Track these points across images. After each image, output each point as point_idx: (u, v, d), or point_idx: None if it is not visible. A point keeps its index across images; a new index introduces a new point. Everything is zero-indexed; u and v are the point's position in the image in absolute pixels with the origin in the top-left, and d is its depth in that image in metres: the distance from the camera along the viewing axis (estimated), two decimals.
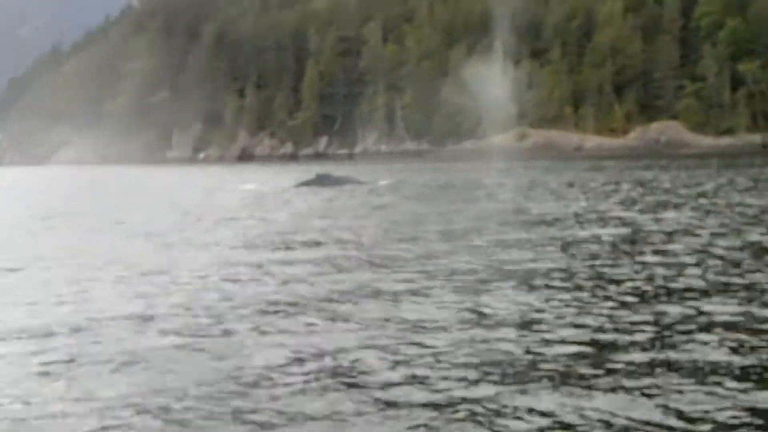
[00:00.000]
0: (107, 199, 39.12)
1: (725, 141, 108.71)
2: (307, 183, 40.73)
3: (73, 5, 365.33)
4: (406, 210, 24.15)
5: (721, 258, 12.46)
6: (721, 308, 9.21)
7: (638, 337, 8.13)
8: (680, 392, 6.50)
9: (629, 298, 9.86)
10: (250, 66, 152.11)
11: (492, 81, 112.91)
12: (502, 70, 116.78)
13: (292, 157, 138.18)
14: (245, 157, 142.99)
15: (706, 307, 9.29)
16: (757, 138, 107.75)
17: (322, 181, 40.42)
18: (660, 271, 11.45)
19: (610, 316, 8.94)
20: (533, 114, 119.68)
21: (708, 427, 5.86)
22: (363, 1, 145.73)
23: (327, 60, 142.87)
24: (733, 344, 7.75)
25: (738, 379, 6.79)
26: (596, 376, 6.95)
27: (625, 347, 7.76)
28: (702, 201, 23.28)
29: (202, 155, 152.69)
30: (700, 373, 6.96)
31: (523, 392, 6.60)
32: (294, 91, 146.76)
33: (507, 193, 31.25)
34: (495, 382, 6.86)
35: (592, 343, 7.98)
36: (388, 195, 31.89)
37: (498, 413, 6.19)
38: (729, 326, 8.40)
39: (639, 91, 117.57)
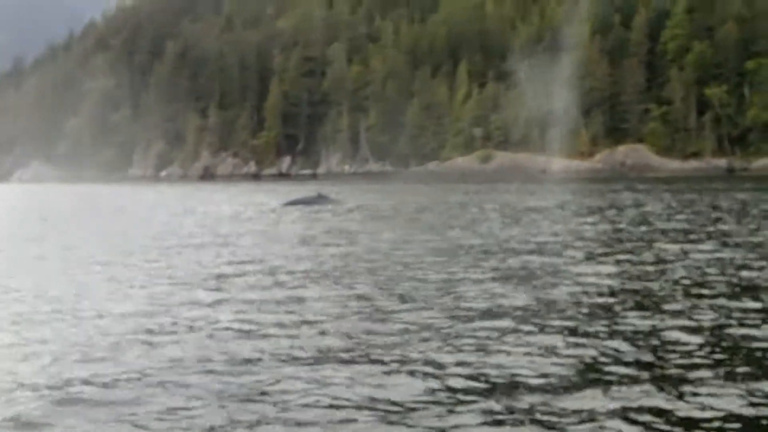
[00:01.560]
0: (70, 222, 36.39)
1: (691, 165, 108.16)
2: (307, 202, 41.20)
3: (37, 22, 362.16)
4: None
5: None
6: None
7: None
8: None
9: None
10: (213, 85, 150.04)
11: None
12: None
13: (255, 177, 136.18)
14: (207, 176, 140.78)
15: None
16: (722, 162, 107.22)
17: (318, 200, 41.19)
18: None
19: None
20: (498, 136, 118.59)
21: None
22: (328, 22, 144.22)
23: (291, 80, 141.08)
24: None
25: None
26: None
27: None
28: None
29: (164, 173, 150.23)
30: None
31: None
32: (257, 111, 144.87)
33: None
34: None
35: None
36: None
37: None
38: None
39: (605, 113, 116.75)
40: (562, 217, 28.43)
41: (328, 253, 17.68)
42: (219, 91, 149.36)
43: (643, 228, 22.74)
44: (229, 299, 11.87)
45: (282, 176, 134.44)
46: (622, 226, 23.81)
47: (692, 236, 19.94)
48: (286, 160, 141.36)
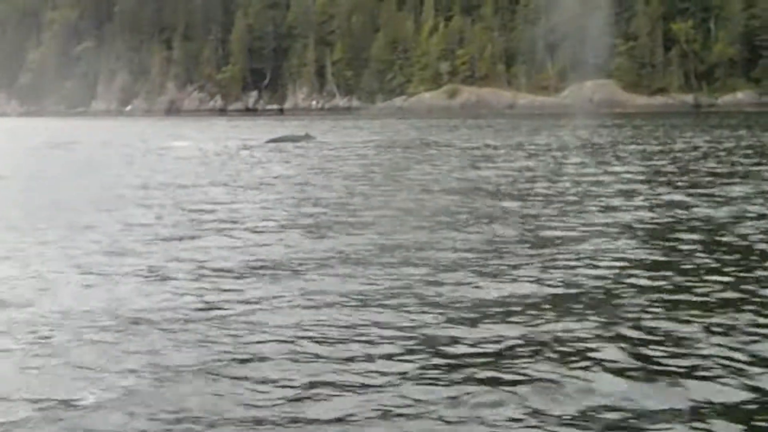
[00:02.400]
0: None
1: (658, 100, 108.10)
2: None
3: None
4: None
5: None
6: None
7: None
8: None
9: None
10: (177, 16, 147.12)
11: None
12: None
13: (221, 112, 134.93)
14: (173, 110, 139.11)
15: None
16: (689, 98, 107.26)
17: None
18: None
19: None
20: (465, 71, 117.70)
21: None
22: None
23: (255, 12, 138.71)
24: None
25: None
26: None
27: None
28: None
29: (128, 107, 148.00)
30: None
31: None
32: (222, 44, 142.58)
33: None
34: None
35: None
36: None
37: None
38: None
39: (572, 49, 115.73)
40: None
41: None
42: (183, 22, 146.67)
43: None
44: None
45: (248, 111, 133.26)
46: None
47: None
48: (253, 95, 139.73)
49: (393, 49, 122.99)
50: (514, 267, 10.28)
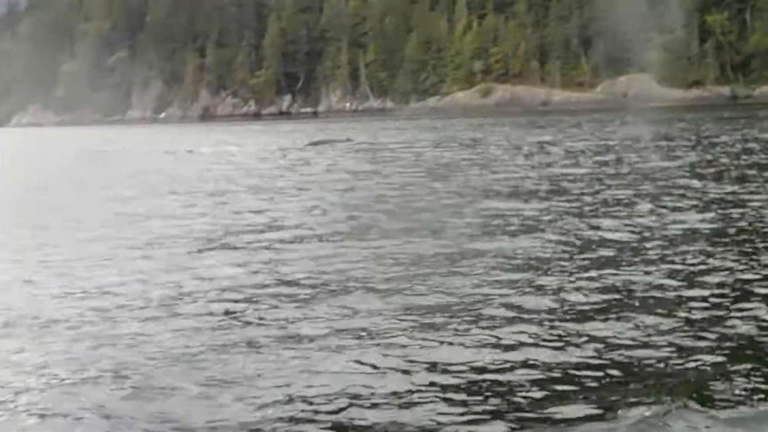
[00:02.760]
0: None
1: (694, 93, 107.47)
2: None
3: None
4: None
5: None
6: None
7: None
8: None
9: None
10: (209, 24, 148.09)
11: None
12: None
13: (255, 116, 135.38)
14: (207, 116, 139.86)
15: None
16: (726, 90, 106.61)
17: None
18: None
19: None
20: (498, 69, 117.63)
21: None
22: None
23: (288, 16, 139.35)
24: None
25: None
26: None
27: None
28: None
29: (163, 115, 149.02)
30: None
31: None
32: (255, 49, 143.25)
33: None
34: None
35: None
36: None
37: None
38: None
39: (606, 44, 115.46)
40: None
41: None
42: (216, 29, 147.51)
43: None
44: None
45: (282, 115, 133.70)
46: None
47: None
48: (286, 99, 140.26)
49: (426, 49, 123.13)
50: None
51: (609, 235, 11.98)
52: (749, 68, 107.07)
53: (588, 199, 16.27)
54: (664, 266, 10.00)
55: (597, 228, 12.68)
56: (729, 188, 17.28)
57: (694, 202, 14.85)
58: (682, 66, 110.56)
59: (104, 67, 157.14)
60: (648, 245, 11.29)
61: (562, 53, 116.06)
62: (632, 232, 12.34)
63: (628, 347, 7.11)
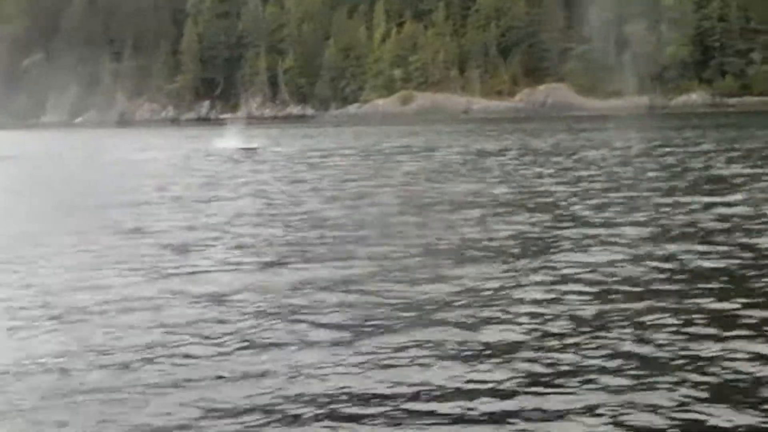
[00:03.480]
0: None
1: (612, 103, 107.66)
2: None
3: None
4: None
5: None
6: None
7: None
8: None
9: None
10: (126, 27, 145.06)
11: None
12: None
13: (174, 122, 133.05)
14: (124, 122, 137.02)
15: None
16: (644, 100, 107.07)
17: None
18: None
19: None
20: (418, 77, 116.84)
21: None
22: None
23: (205, 21, 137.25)
24: None
25: None
26: None
27: None
28: None
29: (79, 120, 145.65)
30: None
31: None
32: (173, 54, 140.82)
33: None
34: None
35: None
36: None
37: None
38: None
39: (525, 53, 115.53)
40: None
41: None
42: (133, 34, 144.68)
43: None
44: None
45: (201, 121, 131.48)
46: None
47: None
48: (205, 105, 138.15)
49: (345, 56, 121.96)
50: None
51: None
52: (665, 78, 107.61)
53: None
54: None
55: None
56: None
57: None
58: (600, 76, 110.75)
59: (18, 71, 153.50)
60: None
61: (482, 62, 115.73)
62: None
63: None
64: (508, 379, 6.91)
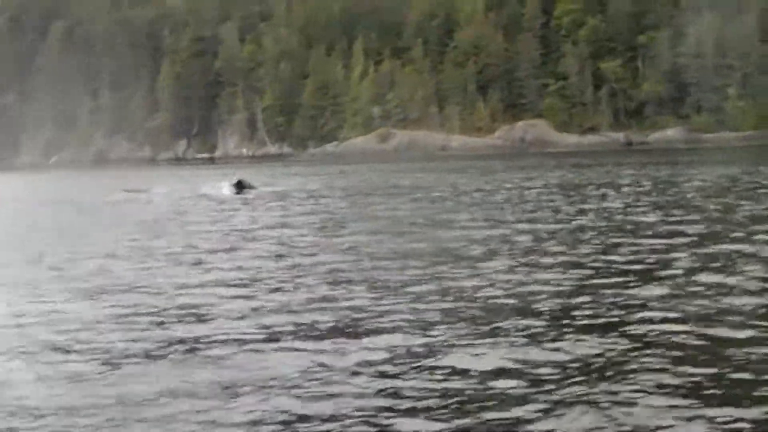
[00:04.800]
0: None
1: (590, 139, 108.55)
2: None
3: None
4: None
5: None
6: None
7: None
8: None
9: None
10: (103, 66, 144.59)
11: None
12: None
13: (151, 161, 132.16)
14: (101, 161, 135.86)
15: None
16: (621, 136, 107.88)
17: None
18: None
19: None
20: (396, 114, 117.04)
21: None
22: (219, 0, 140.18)
23: (183, 60, 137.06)
24: None
25: None
26: None
27: None
28: None
29: (53, 159, 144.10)
30: None
31: None
32: (151, 92, 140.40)
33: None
34: None
35: None
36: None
37: None
38: None
39: (503, 89, 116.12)
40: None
41: None
42: (110, 72, 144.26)
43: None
44: None
45: (178, 160, 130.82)
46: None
47: None
48: (182, 144, 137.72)
49: (323, 94, 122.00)
50: None
51: None
52: (642, 115, 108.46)
53: None
54: None
55: None
56: None
57: None
58: (577, 112, 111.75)
59: None
60: None
61: (460, 99, 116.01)
62: None
63: None
64: None
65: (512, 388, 7.22)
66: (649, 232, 17.46)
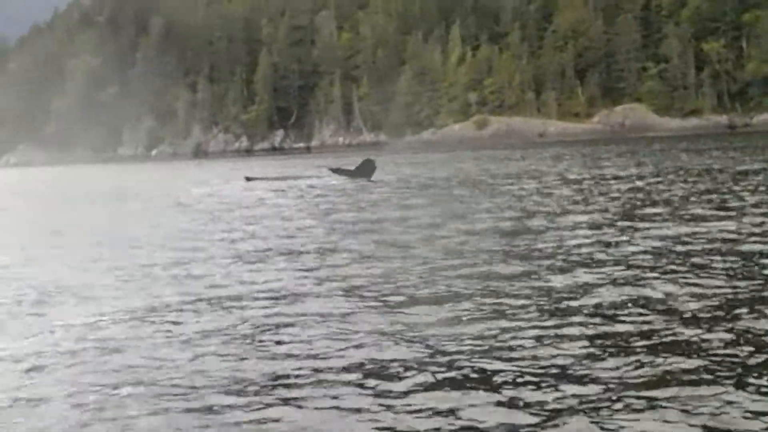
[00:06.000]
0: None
1: (691, 123, 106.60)
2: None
3: (20, 0, 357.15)
4: None
5: None
6: None
7: None
8: None
9: None
10: (201, 59, 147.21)
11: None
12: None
13: (248, 152, 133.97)
14: (199, 153, 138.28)
15: None
16: (723, 119, 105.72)
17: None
18: None
19: None
20: (493, 101, 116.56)
21: None
22: None
23: (280, 51, 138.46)
24: None
25: None
26: None
27: None
28: None
29: (154, 152, 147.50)
30: None
31: None
32: (247, 84, 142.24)
33: None
34: None
35: None
36: None
37: None
38: None
39: (601, 74, 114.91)
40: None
41: None
42: (208, 64, 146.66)
43: None
44: None
45: (275, 150, 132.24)
46: None
47: None
48: (279, 134, 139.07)
49: (420, 81, 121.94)
50: None
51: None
52: (746, 96, 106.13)
53: None
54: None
55: None
56: None
57: None
58: (678, 95, 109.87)
59: (95, 104, 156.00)
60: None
61: (558, 84, 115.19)
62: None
63: None
64: None
65: None
66: None
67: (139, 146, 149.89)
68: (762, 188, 21.88)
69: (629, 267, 11.25)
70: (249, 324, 9.18)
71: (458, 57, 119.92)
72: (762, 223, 14.79)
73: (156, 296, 10.93)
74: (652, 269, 10.99)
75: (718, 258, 11.65)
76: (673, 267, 11.11)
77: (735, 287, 9.77)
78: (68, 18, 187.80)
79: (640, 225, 15.62)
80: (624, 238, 14.10)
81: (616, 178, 29.41)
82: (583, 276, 10.82)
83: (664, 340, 7.79)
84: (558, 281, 10.53)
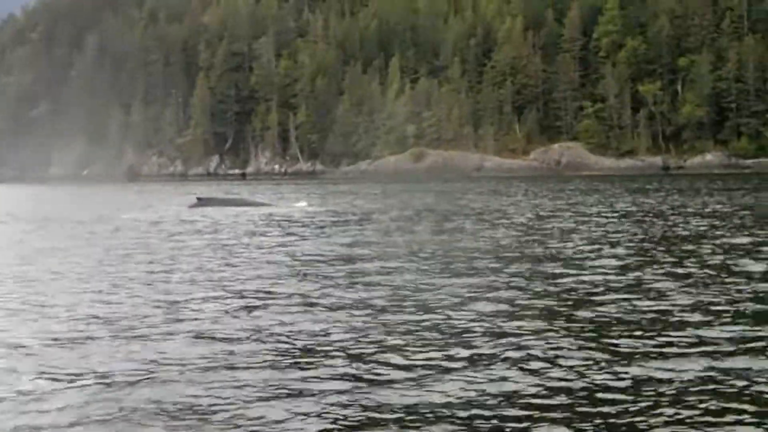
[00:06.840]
0: None
1: (626, 163, 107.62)
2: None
3: None
4: None
5: None
6: None
7: None
8: None
9: None
10: (136, 80, 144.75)
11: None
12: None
13: (182, 177, 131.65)
14: (132, 176, 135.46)
15: None
16: (658, 160, 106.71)
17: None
18: None
19: None
20: (431, 134, 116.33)
21: None
22: (255, 16, 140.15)
23: (217, 76, 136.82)
24: None
25: None
26: None
27: None
28: None
29: (85, 172, 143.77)
30: None
31: None
32: (183, 108, 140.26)
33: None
34: None
35: None
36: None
37: None
38: None
39: (539, 111, 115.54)
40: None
41: None
42: (143, 86, 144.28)
43: None
44: None
45: (210, 176, 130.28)
46: None
47: None
48: (214, 159, 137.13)
49: (358, 112, 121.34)
50: None
51: None
52: (681, 139, 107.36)
53: None
54: None
55: None
56: None
57: None
58: (614, 135, 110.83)
59: (25, 122, 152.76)
60: None
61: (496, 119, 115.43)
62: None
63: None
64: None
65: None
66: None
67: (69, 166, 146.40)
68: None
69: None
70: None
71: (397, 89, 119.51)
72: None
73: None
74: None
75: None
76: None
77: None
78: (1, 35, 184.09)
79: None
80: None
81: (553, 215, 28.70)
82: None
83: None
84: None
